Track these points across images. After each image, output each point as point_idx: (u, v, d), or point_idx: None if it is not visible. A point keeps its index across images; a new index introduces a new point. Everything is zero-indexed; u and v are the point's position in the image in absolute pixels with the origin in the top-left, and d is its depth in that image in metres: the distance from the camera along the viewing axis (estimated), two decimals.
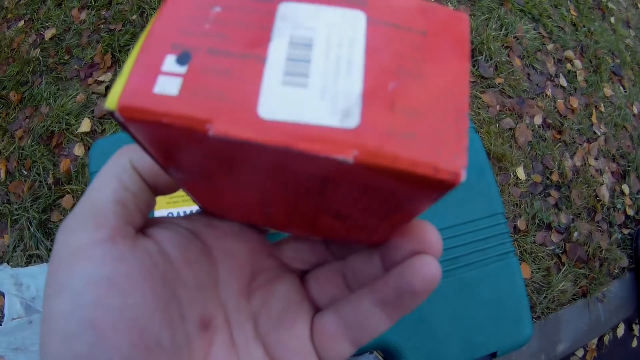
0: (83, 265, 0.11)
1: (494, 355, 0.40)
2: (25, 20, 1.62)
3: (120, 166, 0.13)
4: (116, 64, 1.38)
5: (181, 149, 0.10)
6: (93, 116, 1.33)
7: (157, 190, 0.14)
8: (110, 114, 0.09)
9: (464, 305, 0.40)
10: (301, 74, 0.09)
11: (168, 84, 0.09)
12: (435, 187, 0.09)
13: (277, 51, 0.09)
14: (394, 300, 0.13)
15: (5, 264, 0.51)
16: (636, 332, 1.32)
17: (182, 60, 0.09)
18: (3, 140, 1.36)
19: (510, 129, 1.23)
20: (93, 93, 1.37)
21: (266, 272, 0.16)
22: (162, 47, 0.09)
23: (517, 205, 1.17)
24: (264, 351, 0.15)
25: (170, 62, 0.09)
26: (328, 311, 0.15)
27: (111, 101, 0.09)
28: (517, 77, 1.29)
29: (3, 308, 0.72)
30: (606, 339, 1.29)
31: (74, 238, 0.12)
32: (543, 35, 1.45)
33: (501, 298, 0.40)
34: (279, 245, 0.17)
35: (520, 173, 1.19)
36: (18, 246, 1.21)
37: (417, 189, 0.09)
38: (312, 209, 0.12)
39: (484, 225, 0.43)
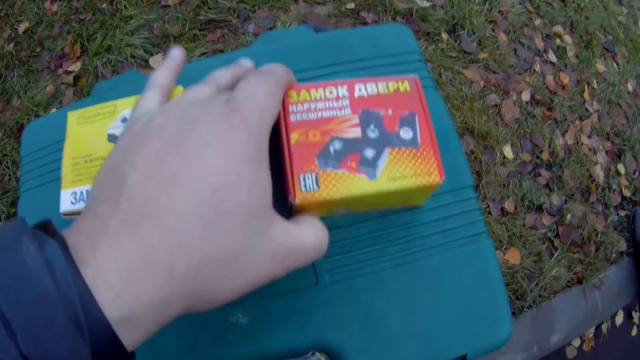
0: None
1: (463, 358, 0.30)
2: (0, 16, 1.53)
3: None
4: (85, 53, 1.28)
5: None
6: (61, 106, 1.23)
7: None
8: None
9: (423, 299, 0.30)
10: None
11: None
12: None
13: None
14: None
15: None
16: (636, 320, 1.19)
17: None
18: None
19: (496, 105, 1.10)
20: (62, 83, 1.27)
21: None
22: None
23: (504, 185, 1.04)
24: None
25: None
26: None
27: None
28: (503, 52, 1.16)
29: None
30: (604, 327, 1.16)
31: None
32: (530, 11, 1.32)
33: (472, 289, 0.31)
34: None
35: (508, 152, 1.06)
36: None
37: None
38: None
39: (449, 201, 0.32)
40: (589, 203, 1.15)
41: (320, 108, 0.24)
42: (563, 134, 1.17)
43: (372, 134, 0.23)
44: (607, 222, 1.16)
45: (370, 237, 0.31)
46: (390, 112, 0.24)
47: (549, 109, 1.18)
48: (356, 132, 0.23)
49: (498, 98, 1.11)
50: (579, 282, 1.09)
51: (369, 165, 0.22)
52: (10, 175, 1.20)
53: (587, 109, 1.24)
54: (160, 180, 0.15)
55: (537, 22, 1.30)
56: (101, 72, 1.19)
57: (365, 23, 1.09)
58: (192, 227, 0.15)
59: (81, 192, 0.28)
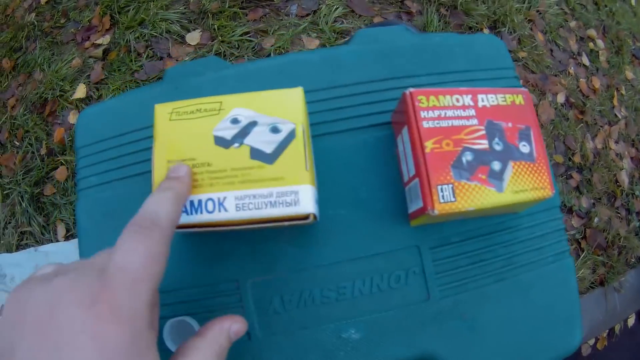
0: None
1: None
2: None
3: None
4: (115, 26, 1.21)
5: None
6: (89, 81, 1.16)
7: None
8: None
9: (518, 312, 0.32)
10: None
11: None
12: None
13: None
14: None
15: None
16: None
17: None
18: None
19: (534, 105, 1.07)
20: (90, 57, 1.20)
21: None
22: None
23: None
24: None
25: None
26: None
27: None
28: (540, 53, 1.13)
29: None
30: (617, 328, 1.16)
31: None
32: (566, 12, 1.28)
33: (556, 302, 0.33)
34: None
35: None
36: (10, 223, 1.06)
37: None
38: None
39: (541, 220, 0.33)
40: (614, 207, 1.14)
41: (449, 116, 0.24)
42: (593, 138, 1.15)
43: (497, 146, 0.24)
44: (629, 228, 1.16)
45: (477, 253, 0.31)
46: (510, 124, 0.24)
47: (581, 112, 1.16)
48: (484, 144, 0.24)
49: (535, 98, 1.08)
50: (601, 283, 1.08)
51: (497, 178, 0.23)
52: (33, 152, 1.13)
53: (615, 115, 1.23)
54: None
55: (572, 24, 1.27)
56: (134, 47, 1.13)
57: (409, 12, 1.04)
58: None
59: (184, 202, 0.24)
